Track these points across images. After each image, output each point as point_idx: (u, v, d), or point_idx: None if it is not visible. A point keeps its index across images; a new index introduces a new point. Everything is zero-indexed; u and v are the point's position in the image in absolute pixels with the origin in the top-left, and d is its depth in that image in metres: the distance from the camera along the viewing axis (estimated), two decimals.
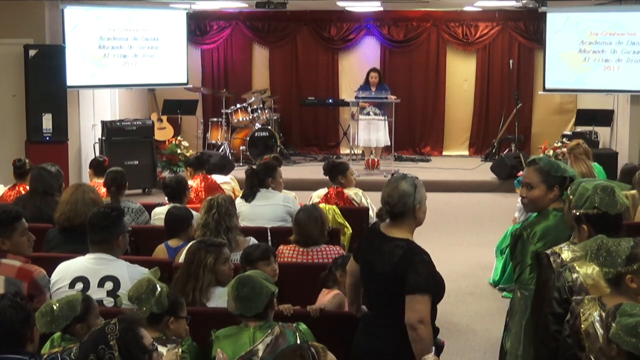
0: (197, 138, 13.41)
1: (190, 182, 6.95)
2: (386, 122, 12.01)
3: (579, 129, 12.56)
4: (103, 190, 6.37)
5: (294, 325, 3.45)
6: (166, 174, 11.30)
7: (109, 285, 4.07)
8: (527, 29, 13.58)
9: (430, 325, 3.38)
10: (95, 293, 4.05)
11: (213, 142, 12.82)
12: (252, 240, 5.09)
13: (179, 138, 12.29)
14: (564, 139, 11.89)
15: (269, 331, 3.38)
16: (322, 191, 6.83)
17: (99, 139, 11.16)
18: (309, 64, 14.15)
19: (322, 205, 6.10)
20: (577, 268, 3.16)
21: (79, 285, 4.08)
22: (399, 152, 13.33)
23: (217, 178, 7.62)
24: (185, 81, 12.21)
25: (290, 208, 6.14)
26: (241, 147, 12.49)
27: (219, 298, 4.12)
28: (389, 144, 12.18)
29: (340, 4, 12.27)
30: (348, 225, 6.16)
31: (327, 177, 6.87)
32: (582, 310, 2.88)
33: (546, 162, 3.92)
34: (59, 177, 6.02)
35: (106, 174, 6.46)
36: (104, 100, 11.88)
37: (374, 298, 3.62)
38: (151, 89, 13.25)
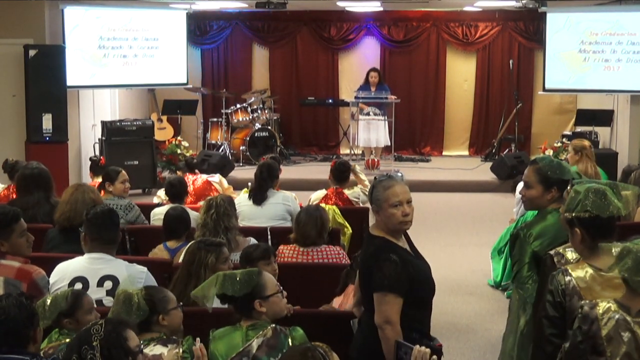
0: (197, 138, 13.41)
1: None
2: (386, 122, 12.01)
3: (579, 129, 12.55)
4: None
5: (289, 329, 3.42)
6: (166, 174, 11.30)
7: (108, 284, 4.08)
8: (527, 29, 13.58)
9: (398, 326, 3.36)
10: (95, 293, 4.06)
11: (213, 142, 12.82)
12: (252, 241, 5.10)
13: (179, 138, 12.30)
14: (564, 139, 11.91)
15: (261, 332, 3.36)
16: (321, 192, 6.82)
17: (99, 139, 11.16)
18: (309, 64, 14.15)
19: (322, 205, 6.09)
20: (570, 271, 3.17)
21: (78, 285, 4.08)
22: (399, 152, 13.33)
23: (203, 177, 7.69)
24: (185, 81, 12.21)
25: (290, 207, 6.14)
26: (241, 147, 12.49)
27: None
28: (389, 144, 12.19)
29: (340, 4, 12.27)
30: (348, 225, 6.17)
31: (331, 179, 6.84)
32: (599, 314, 2.86)
33: (547, 162, 3.93)
34: (42, 175, 5.90)
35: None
36: (104, 100, 11.88)
37: (361, 296, 3.68)
38: (151, 89, 13.25)
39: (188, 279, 4.11)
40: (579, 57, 11.38)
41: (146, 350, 3.15)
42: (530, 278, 3.73)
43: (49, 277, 4.16)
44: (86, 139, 11.22)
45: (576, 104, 13.39)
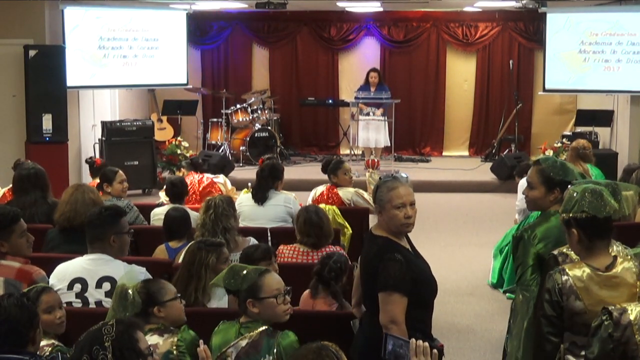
0: (197, 138, 13.41)
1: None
2: (386, 122, 12.01)
3: (579, 129, 12.56)
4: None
5: (278, 334, 3.36)
6: (166, 174, 11.29)
7: (106, 286, 4.07)
8: (527, 30, 13.58)
9: (403, 325, 3.36)
10: (94, 294, 4.06)
11: (213, 142, 12.82)
12: (252, 241, 5.09)
13: (179, 138, 12.29)
14: (564, 139, 11.91)
15: (250, 333, 3.35)
16: (320, 189, 6.84)
17: (99, 140, 11.16)
18: (309, 65, 14.15)
19: (322, 205, 6.09)
20: (567, 270, 3.17)
21: (77, 287, 4.08)
22: (399, 152, 13.33)
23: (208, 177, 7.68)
24: (185, 81, 12.21)
25: (290, 209, 6.14)
26: (241, 148, 12.49)
27: (220, 298, 4.12)
28: (389, 144, 12.19)
29: (340, 4, 12.27)
30: (348, 225, 6.16)
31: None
32: (632, 319, 2.84)
33: (550, 164, 3.93)
34: (38, 175, 5.87)
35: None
36: (104, 100, 11.88)
37: (363, 296, 3.68)
38: (151, 90, 13.25)
39: (189, 279, 4.10)
40: (579, 58, 11.38)
41: None
42: (534, 280, 3.71)
43: (49, 277, 4.15)
44: (86, 139, 11.22)
45: (576, 104, 13.39)
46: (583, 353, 3.04)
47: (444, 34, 13.86)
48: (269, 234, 5.72)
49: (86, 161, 7.59)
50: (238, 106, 12.80)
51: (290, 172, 11.35)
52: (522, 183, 6.50)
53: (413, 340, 2.89)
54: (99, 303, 4.06)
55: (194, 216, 5.52)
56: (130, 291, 3.37)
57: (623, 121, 11.32)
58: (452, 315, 6.42)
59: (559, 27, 11.48)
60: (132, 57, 11.44)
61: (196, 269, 4.12)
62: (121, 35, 11.29)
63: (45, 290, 3.54)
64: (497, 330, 6.10)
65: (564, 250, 3.45)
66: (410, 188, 3.58)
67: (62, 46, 10.24)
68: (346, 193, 6.75)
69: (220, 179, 7.92)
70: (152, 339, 3.28)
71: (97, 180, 6.85)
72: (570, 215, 3.22)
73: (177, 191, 6.27)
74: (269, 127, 12.77)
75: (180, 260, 4.68)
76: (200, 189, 7.43)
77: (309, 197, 6.82)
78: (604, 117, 11.74)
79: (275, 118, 13.32)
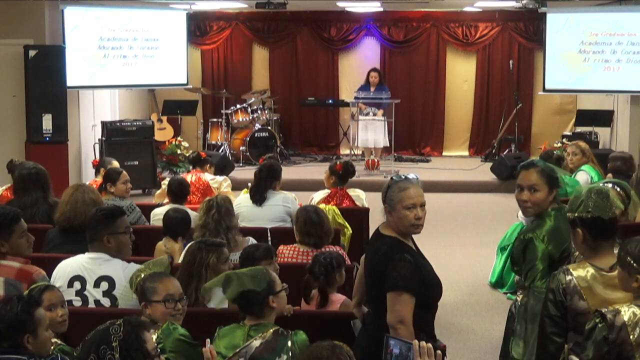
0: (197, 138, 13.41)
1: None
2: (385, 122, 12.00)
3: (579, 129, 12.56)
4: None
5: (290, 333, 3.40)
6: (166, 174, 11.29)
7: (104, 285, 4.07)
8: (527, 30, 13.58)
9: (411, 326, 3.36)
10: (92, 293, 4.06)
11: (213, 142, 12.82)
12: (251, 240, 5.09)
13: (179, 138, 12.29)
14: (564, 140, 11.91)
15: (261, 334, 3.35)
16: (324, 192, 6.79)
17: (99, 140, 11.16)
18: (309, 65, 14.15)
19: (322, 206, 6.08)
20: (571, 270, 3.17)
21: (77, 285, 4.08)
22: (399, 152, 13.33)
23: (209, 177, 7.62)
24: (185, 82, 12.21)
25: (289, 208, 6.13)
26: (241, 148, 12.49)
27: (220, 298, 4.11)
28: (388, 144, 12.18)
29: (340, 4, 12.27)
30: (348, 225, 6.16)
31: (336, 178, 6.80)
32: (626, 320, 2.85)
33: (543, 163, 3.92)
34: (39, 175, 5.87)
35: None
36: (104, 100, 11.88)
37: (368, 296, 3.67)
38: (151, 90, 13.26)
39: (189, 280, 4.10)
40: (579, 58, 11.38)
41: None
42: (544, 283, 3.58)
43: (49, 277, 4.15)
44: (86, 140, 11.22)
45: (576, 104, 13.39)
46: None
47: (444, 34, 13.86)
48: (269, 234, 5.72)
49: (99, 165, 7.52)
50: (238, 106, 12.81)
51: (290, 172, 11.36)
52: None
53: (416, 341, 2.88)
54: (97, 302, 4.06)
55: (194, 216, 5.53)
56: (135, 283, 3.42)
57: (623, 121, 11.32)
58: (452, 315, 6.42)
59: (559, 27, 11.48)
60: (132, 57, 11.44)
61: (196, 269, 4.12)
62: (121, 35, 11.29)
63: (47, 289, 3.54)
64: (497, 330, 6.09)
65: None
66: (421, 189, 3.58)
67: (62, 46, 10.24)
68: (357, 195, 6.74)
69: (221, 179, 7.87)
70: None
71: (98, 180, 6.86)
72: (576, 214, 3.21)
73: (177, 192, 6.26)
74: (269, 127, 12.78)
75: (178, 261, 4.69)
76: (201, 185, 7.40)
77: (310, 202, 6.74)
78: (604, 117, 11.74)
79: (275, 118, 13.33)
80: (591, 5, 11.87)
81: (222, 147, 12.54)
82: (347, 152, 13.19)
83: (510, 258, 3.91)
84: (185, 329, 3.46)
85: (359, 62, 13.95)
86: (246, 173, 11.19)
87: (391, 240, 3.50)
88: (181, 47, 11.96)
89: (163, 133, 12.70)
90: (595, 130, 11.79)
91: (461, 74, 14.02)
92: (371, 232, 3.92)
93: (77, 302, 4.08)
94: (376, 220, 3.84)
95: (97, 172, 7.56)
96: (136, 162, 10.86)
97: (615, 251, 3.20)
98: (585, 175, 7.27)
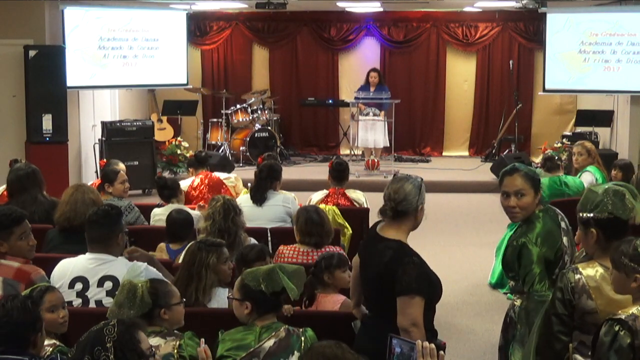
0: (197, 139, 13.42)
1: (194, 180, 7.24)
2: (385, 122, 12.00)
3: (579, 129, 12.56)
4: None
5: (301, 330, 3.43)
6: (166, 174, 11.29)
7: (108, 285, 4.06)
8: (527, 30, 13.58)
9: (423, 328, 3.37)
10: (95, 293, 4.06)
11: (213, 142, 12.82)
12: (252, 241, 5.10)
13: (179, 139, 12.30)
14: (564, 140, 11.91)
15: (274, 333, 3.37)
16: (322, 193, 6.79)
17: (99, 140, 11.16)
18: (309, 65, 14.15)
19: (322, 205, 6.08)
20: (580, 269, 3.16)
21: (79, 285, 4.07)
22: (399, 152, 13.33)
23: (220, 175, 7.62)
24: (185, 82, 12.21)
25: (289, 209, 6.13)
26: (241, 148, 12.49)
27: (220, 298, 4.12)
28: (388, 144, 12.17)
29: (340, 4, 12.27)
30: (348, 225, 6.16)
31: (331, 179, 6.79)
32: None
33: (524, 167, 3.84)
34: (36, 173, 5.87)
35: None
36: (104, 100, 11.88)
37: (371, 299, 3.64)
38: (151, 90, 13.26)
39: (189, 280, 4.10)
40: (579, 58, 11.38)
41: None
42: (544, 285, 3.59)
43: (49, 277, 4.15)
44: (86, 140, 11.22)
45: (576, 104, 13.39)
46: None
47: (444, 34, 13.86)
48: (269, 235, 5.72)
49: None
50: (238, 106, 12.81)
51: (290, 172, 11.36)
52: None
53: (419, 341, 2.88)
54: (99, 302, 4.05)
55: (195, 216, 5.52)
56: (140, 289, 3.36)
57: (623, 121, 11.32)
58: (452, 316, 6.42)
59: (559, 27, 11.48)
60: (132, 57, 11.44)
61: (197, 269, 4.11)
62: (121, 36, 11.29)
63: (49, 290, 3.53)
64: (497, 330, 6.06)
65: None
66: None
67: (62, 46, 10.24)
68: (357, 196, 6.73)
69: (231, 175, 7.87)
70: (154, 341, 3.27)
71: (99, 180, 6.86)
72: (591, 215, 3.20)
73: (169, 192, 6.27)
74: (269, 127, 12.78)
75: (179, 262, 4.69)
76: (208, 185, 7.38)
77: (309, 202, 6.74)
78: (604, 117, 11.74)
79: (275, 118, 13.33)
80: (591, 5, 11.87)
81: (222, 147, 12.54)
82: (347, 152, 13.19)
83: (503, 264, 3.82)
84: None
85: (359, 62, 13.94)
86: (246, 173, 11.17)
87: (396, 244, 3.48)
88: (181, 47, 11.96)
89: (163, 133, 12.71)
90: (595, 131, 11.79)
91: (461, 74, 14.02)
92: None
93: (77, 303, 4.07)
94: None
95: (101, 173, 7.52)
96: (136, 162, 10.86)
97: None
98: (590, 177, 7.27)
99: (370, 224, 6.22)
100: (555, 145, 11.84)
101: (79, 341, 2.68)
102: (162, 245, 5.28)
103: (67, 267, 4.15)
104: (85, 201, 5.08)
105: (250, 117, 12.71)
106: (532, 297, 3.62)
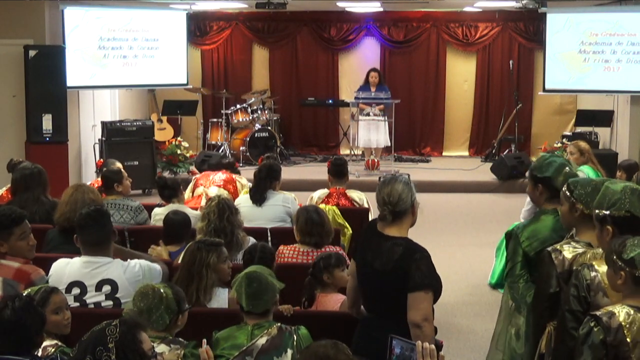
0: (197, 139, 13.41)
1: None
2: (386, 122, 12.00)
3: (579, 129, 12.56)
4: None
5: (293, 328, 3.43)
6: (166, 174, 11.29)
7: (106, 288, 4.02)
8: (527, 30, 13.58)
9: (433, 323, 3.40)
10: (93, 297, 4.02)
11: (213, 142, 12.82)
12: (251, 240, 5.10)
13: (179, 139, 12.29)
14: (564, 140, 11.91)
15: (266, 331, 3.37)
16: (323, 192, 6.79)
17: (99, 140, 11.16)
18: (309, 65, 14.15)
19: (322, 205, 6.08)
20: (596, 267, 3.17)
21: (76, 290, 4.02)
22: (399, 152, 13.33)
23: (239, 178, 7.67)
24: (185, 82, 12.21)
25: (289, 209, 6.13)
26: (241, 148, 12.49)
27: (220, 298, 4.12)
28: (389, 144, 12.18)
29: (340, 4, 12.27)
30: (348, 225, 6.16)
31: (331, 177, 6.78)
32: (622, 321, 2.86)
33: (539, 159, 4.08)
34: (39, 176, 5.87)
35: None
36: (104, 100, 11.88)
37: (373, 298, 3.62)
38: (151, 90, 13.25)
39: (189, 280, 4.09)
40: (579, 58, 11.38)
41: None
42: (521, 277, 3.84)
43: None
44: (86, 140, 11.22)
45: (576, 104, 13.39)
46: None
47: (444, 34, 13.86)
48: (269, 234, 5.72)
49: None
50: (238, 106, 12.81)
51: (290, 172, 11.37)
52: None
53: (419, 342, 2.88)
54: (98, 305, 4.03)
55: (195, 216, 5.52)
56: (165, 294, 3.34)
57: (623, 121, 11.32)
58: (452, 315, 6.42)
59: (559, 27, 11.48)
60: (132, 57, 11.44)
61: (197, 269, 4.11)
62: (121, 36, 11.29)
63: (54, 291, 3.53)
64: None
65: (558, 247, 3.48)
66: None
67: (62, 46, 10.24)
68: (358, 196, 6.73)
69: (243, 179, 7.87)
70: (158, 348, 3.25)
71: (99, 180, 6.85)
72: (608, 212, 3.22)
73: (169, 192, 6.26)
74: (269, 127, 12.78)
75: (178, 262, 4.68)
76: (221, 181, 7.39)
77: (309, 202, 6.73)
78: (604, 117, 11.74)
79: (275, 118, 13.33)
80: (591, 5, 11.87)
81: (222, 147, 12.54)
82: (347, 152, 13.18)
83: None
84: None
85: (359, 62, 13.94)
86: (246, 173, 11.17)
87: (404, 241, 3.50)
88: (181, 47, 11.96)
89: (163, 133, 12.70)
90: (595, 131, 11.79)
91: (461, 74, 14.02)
92: None
93: (76, 308, 4.05)
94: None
95: (100, 173, 7.53)
96: (136, 162, 10.86)
97: None
98: (583, 176, 7.26)
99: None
100: (555, 145, 11.84)
101: (80, 341, 2.68)
102: (162, 246, 5.25)
103: (63, 272, 4.09)
104: (85, 201, 5.05)
105: (250, 117, 12.72)
106: (507, 284, 3.92)
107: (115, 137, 10.92)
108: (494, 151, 13.20)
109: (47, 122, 9.83)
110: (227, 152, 12.44)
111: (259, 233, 5.64)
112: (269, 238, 5.67)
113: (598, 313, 2.92)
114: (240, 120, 12.75)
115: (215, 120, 13.00)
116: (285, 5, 11.27)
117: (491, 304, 6.74)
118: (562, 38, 11.46)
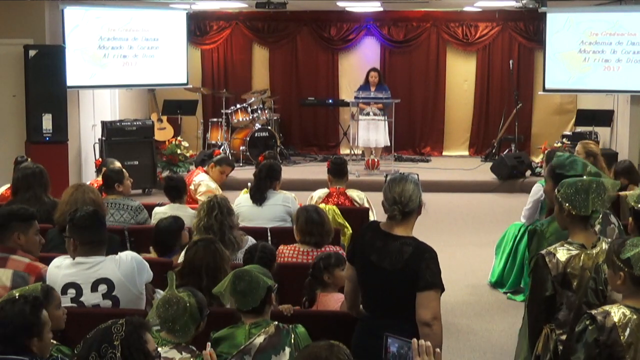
0: (197, 138, 13.42)
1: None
2: (386, 122, 12.01)
3: (579, 129, 12.56)
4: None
5: (291, 327, 3.43)
6: (166, 174, 11.28)
7: (102, 288, 4.00)
8: (527, 29, 13.58)
9: (441, 322, 3.43)
10: (90, 297, 3.99)
11: (213, 142, 12.82)
12: (251, 240, 5.10)
13: (179, 138, 12.30)
14: (564, 139, 11.92)
15: (263, 330, 3.36)
16: (323, 191, 6.78)
17: (99, 139, 11.16)
18: (309, 64, 14.15)
19: (322, 205, 6.08)
20: None
21: (72, 291, 3.99)
22: (399, 152, 13.33)
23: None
24: (185, 81, 12.21)
25: (289, 208, 6.13)
26: (241, 148, 12.49)
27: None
28: (389, 144, 12.18)
29: (340, 4, 12.28)
30: (348, 225, 6.16)
31: (331, 176, 6.78)
32: (616, 321, 2.87)
33: (559, 157, 4.12)
34: (41, 176, 5.87)
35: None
36: (104, 100, 11.88)
37: (376, 299, 3.60)
38: (151, 89, 13.26)
39: (189, 279, 4.09)
40: (579, 57, 11.38)
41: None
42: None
43: None
44: (86, 139, 11.23)
45: (576, 104, 13.39)
46: None
47: (444, 34, 13.86)
48: (269, 234, 5.73)
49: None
50: (238, 106, 12.81)
51: (290, 172, 11.36)
52: (536, 189, 6.47)
53: (415, 340, 2.89)
54: (96, 306, 4.00)
55: (192, 214, 5.52)
56: (188, 303, 3.32)
57: (623, 121, 11.33)
58: (452, 315, 6.42)
59: (559, 27, 11.48)
60: (132, 57, 11.44)
61: (197, 269, 4.11)
62: (121, 35, 11.29)
63: (52, 288, 3.55)
64: (497, 330, 6.11)
65: (551, 249, 3.49)
66: None
67: (62, 46, 10.24)
68: (358, 195, 6.72)
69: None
70: (169, 353, 3.24)
71: (100, 180, 6.85)
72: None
73: (176, 192, 6.25)
74: (269, 127, 12.78)
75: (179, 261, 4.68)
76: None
77: (309, 202, 6.72)
78: (604, 117, 11.74)
79: (275, 118, 13.33)
80: (591, 5, 11.87)
81: (222, 147, 12.54)
82: (347, 152, 13.18)
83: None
84: None
85: (359, 62, 13.95)
86: (246, 173, 11.19)
87: (413, 241, 3.52)
88: (181, 47, 11.96)
89: (163, 133, 12.71)
90: (595, 130, 11.79)
91: (461, 74, 14.02)
92: None
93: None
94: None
95: (99, 172, 7.56)
96: (136, 162, 10.86)
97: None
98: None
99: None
100: (555, 145, 11.83)
101: (85, 338, 2.70)
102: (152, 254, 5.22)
103: (57, 274, 4.04)
104: (86, 201, 5.05)
105: (250, 117, 12.72)
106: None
107: (115, 136, 10.93)
108: (494, 151, 13.20)
109: (47, 122, 9.84)
110: (227, 151, 12.44)
111: (259, 233, 5.64)
112: (269, 238, 5.67)
113: (594, 312, 2.93)
114: (240, 120, 12.76)
115: (215, 120, 13.00)
116: (285, 5, 11.27)
117: (491, 304, 6.75)
118: (562, 38, 11.46)
